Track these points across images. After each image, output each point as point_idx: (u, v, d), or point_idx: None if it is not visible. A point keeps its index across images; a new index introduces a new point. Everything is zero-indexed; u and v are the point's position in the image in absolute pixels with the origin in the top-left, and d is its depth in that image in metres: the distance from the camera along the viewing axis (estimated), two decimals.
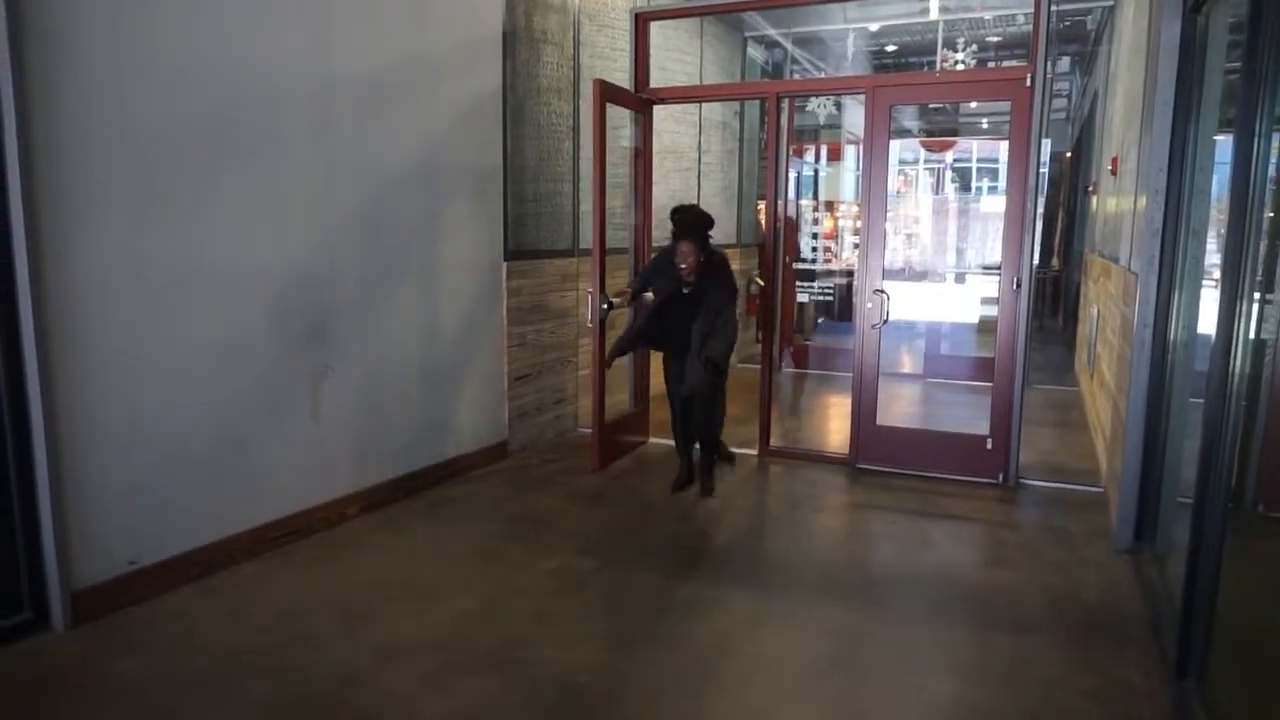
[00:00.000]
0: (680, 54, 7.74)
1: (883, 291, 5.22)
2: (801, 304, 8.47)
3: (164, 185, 3.38)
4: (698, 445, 5.01)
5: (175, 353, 3.48)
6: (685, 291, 4.64)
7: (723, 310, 4.55)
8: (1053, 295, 12.58)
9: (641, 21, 5.76)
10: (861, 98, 5.40)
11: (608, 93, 5.16)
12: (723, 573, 3.84)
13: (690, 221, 4.58)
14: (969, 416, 6.11)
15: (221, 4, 3.54)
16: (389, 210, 4.48)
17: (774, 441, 5.69)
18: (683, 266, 4.54)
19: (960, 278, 9.31)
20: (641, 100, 5.72)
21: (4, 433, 3.02)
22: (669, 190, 7.36)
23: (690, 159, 8.14)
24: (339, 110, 4.13)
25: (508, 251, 5.31)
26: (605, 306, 5.11)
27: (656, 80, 6.01)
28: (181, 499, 3.53)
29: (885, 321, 5.25)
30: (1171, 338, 3.79)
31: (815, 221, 9.37)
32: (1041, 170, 4.92)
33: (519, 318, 5.47)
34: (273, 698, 2.78)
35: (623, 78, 6.02)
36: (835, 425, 6.58)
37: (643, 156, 5.79)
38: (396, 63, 4.47)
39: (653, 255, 5.28)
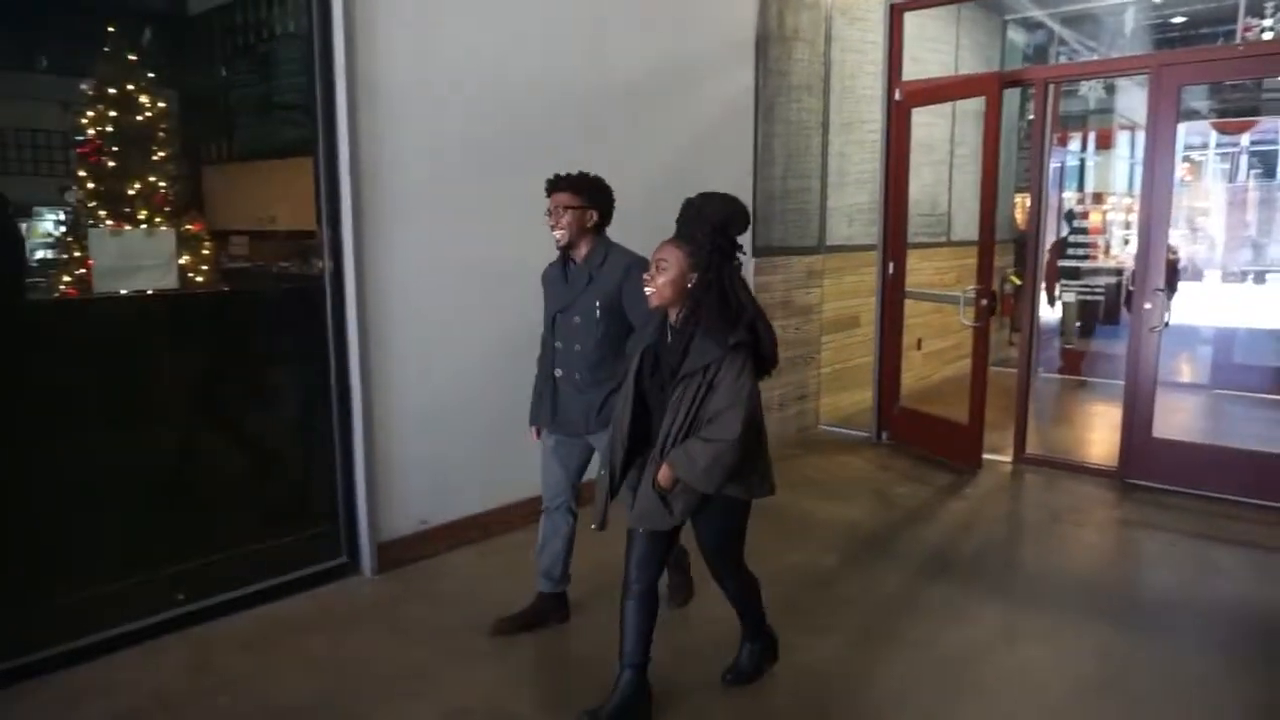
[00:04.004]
0: (934, 43, 7.45)
1: (1163, 290, 4.76)
2: (1065, 303, 7.87)
3: (460, 193, 3.81)
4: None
5: (465, 339, 3.91)
6: (669, 342, 2.53)
7: (719, 375, 2.38)
8: None
9: (897, 13, 5.63)
10: (1141, 79, 4.95)
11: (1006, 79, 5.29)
12: (974, 580, 3.71)
13: (692, 211, 2.52)
14: (1268, 434, 5.41)
15: (512, 28, 3.93)
16: (648, 211, 4.71)
17: (1030, 449, 5.36)
18: (647, 291, 2.51)
19: (1260, 277, 8.21)
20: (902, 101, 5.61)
21: (330, 406, 3.56)
22: (921, 184, 7.11)
23: (943, 152, 7.81)
24: (609, 118, 4.43)
25: (755, 248, 5.41)
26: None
27: (910, 72, 5.84)
28: (466, 469, 3.97)
29: (1166, 325, 4.78)
30: None
31: (1082, 215, 8.66)
32: None
33: (765, 313, 5.54)
34: (540, 652, 3.07)
35: (874, 71, 5.94)
36: (1100, 435, 6.08)
37: (895, 152, 5.66)
38: (660, 70, 4.72)
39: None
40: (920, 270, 6.40)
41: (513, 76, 3.96)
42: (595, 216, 3.02)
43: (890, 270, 5.73)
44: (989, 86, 5.20)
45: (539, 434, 3.18)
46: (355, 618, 3.32)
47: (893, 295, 5.76)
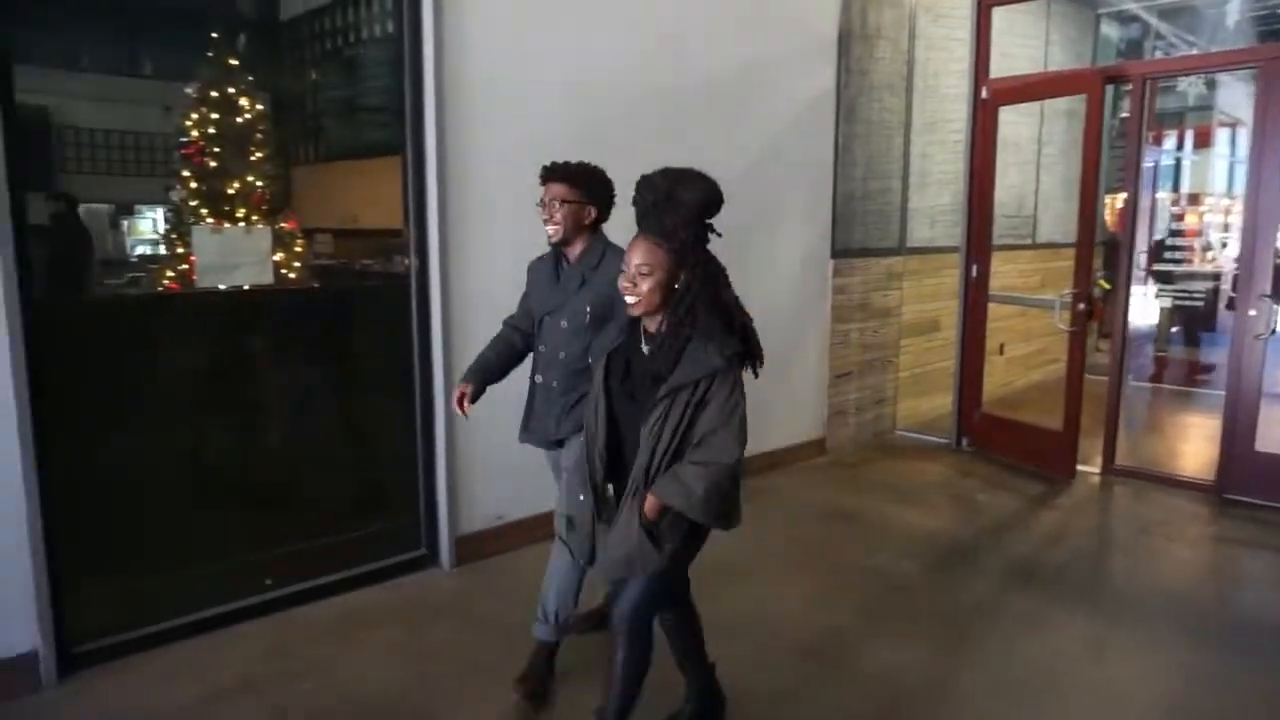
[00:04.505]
0: (1023, 38, 7.23)
1: (1270, 297, 4.52)
2: (1161, 309, 7.55)
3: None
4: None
5: None
6: (646, 351, 2.20)
7: (710, 390, 2.09)
8: None
9: (985, 9, 5.48)
10: (1245, 74, 4.72)
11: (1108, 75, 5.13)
12: (1060, 591, 3.59)
13: (659, 195, 2.19)
14: None
15: (594, 30, 3.96)
16: (724, 209, 4.71)
17: (1120, 460, 5.16)
18: (628, 300, 2.16)
19: None
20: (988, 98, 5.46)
21: (414, 401, 3.64)
22: (1006, 185, 6.92)
23: (1029, 151, 7.58)
24: (689, 118, 4.42)
25: (834, 249, 5.34)
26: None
27: (996, 69, 5.68)
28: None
29: (1273, 332, 4.54)
30: None
31: (1178, 216, 8.29)
32: None
33: (843, 315, 5.48)
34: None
35: (959, 69, 5.81)
36: (1194, 447, 5.81)
37: (980, 152, 5.51)
38: (740, 69, 4.69)
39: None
40: (1003, 273, 6.22)
41: (594, 77, 3.99)
42: (593, 213, 2.69)
43: (973, 273, 5.58)
44: (1090, 83, 5.02)
45: (463, 399, 2.86)
46: (433, 610, 3.38)
47: (976, 298, 5.61)
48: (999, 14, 5.63)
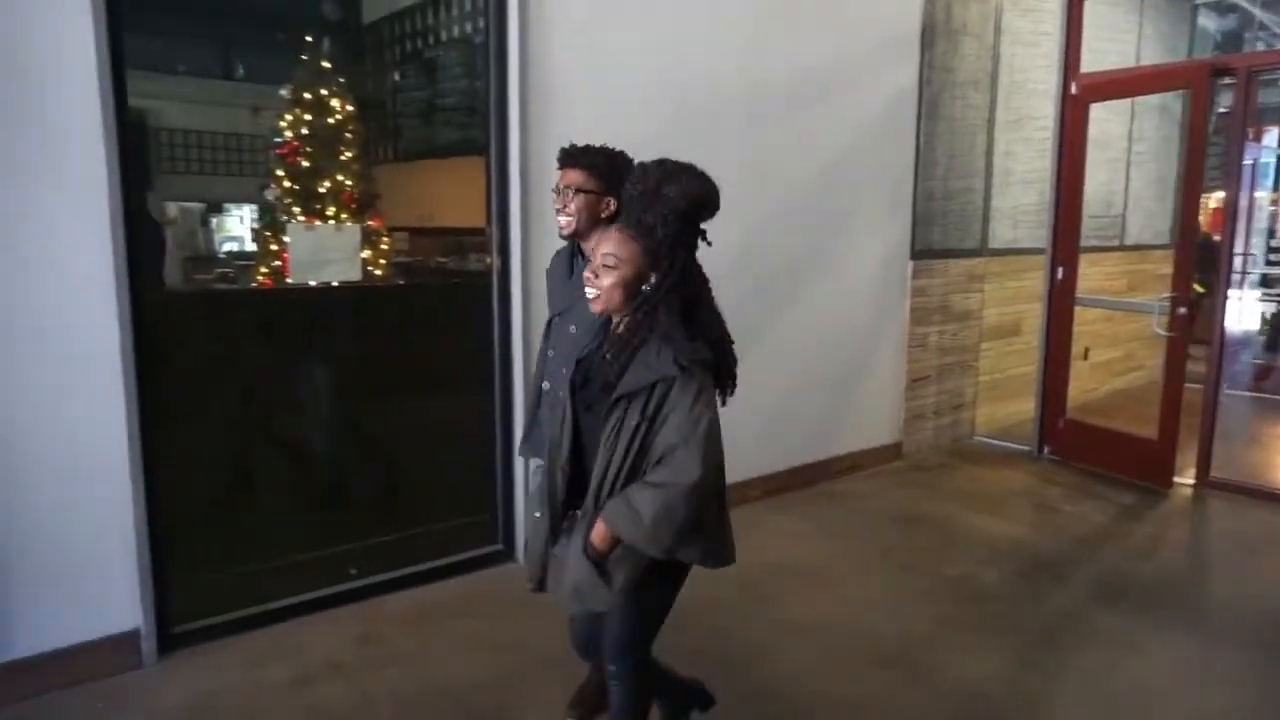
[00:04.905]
0: (1115, 31, 6.97)
1: None
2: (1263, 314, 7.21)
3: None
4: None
5: None
6: (606, 356, 1.98)
7: (668, 401, 1.84)
8: None
9: (1076, 1, 5.30)
10: None
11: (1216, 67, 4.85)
12: (1152, 610, 3.45)
13: (648, 187, 1.94)
14: None
15: (675, 29, 3.96)
16: (802, 208, 4.67)
17: (1215, 471, 4.94)
18: (587, 293, 1.95)
19: None
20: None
21: (494, 398, 3.69)
22: (1095, 183, 6.69)
23: (1119, 149, 7.31)
24: (769, 116, 4.39)
25: (914, 250, 5.24)
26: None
27: (1084, 65, 5.48)
28: None
29: None
30: None
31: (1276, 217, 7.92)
32: None
33: (921, 318, 5.37)
34: (690, 653, 3.06)
35: (1046, 64, 5.64)
36: None
37: (1069, 150, 5.33)
38: (821, 67, 4.64)
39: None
40: (1088, 276, 6.01)
41: (674, 76, 3.98)
42: (613, 206, 2.35)
43: (1059, 275, 5.40)
44: (1196, 76, 4.79)
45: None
46: (510, 604, 3.42)
47: (1061, 302, 5.43)
48: (1090, 6, 5.43)
